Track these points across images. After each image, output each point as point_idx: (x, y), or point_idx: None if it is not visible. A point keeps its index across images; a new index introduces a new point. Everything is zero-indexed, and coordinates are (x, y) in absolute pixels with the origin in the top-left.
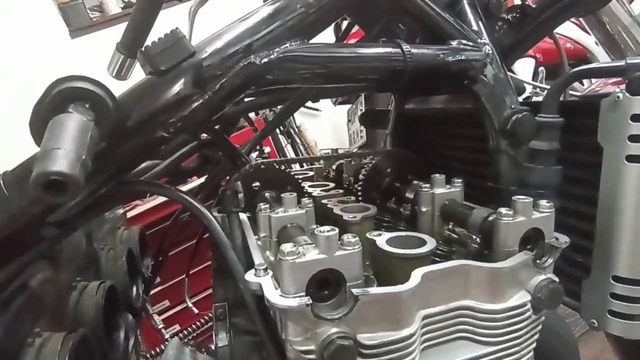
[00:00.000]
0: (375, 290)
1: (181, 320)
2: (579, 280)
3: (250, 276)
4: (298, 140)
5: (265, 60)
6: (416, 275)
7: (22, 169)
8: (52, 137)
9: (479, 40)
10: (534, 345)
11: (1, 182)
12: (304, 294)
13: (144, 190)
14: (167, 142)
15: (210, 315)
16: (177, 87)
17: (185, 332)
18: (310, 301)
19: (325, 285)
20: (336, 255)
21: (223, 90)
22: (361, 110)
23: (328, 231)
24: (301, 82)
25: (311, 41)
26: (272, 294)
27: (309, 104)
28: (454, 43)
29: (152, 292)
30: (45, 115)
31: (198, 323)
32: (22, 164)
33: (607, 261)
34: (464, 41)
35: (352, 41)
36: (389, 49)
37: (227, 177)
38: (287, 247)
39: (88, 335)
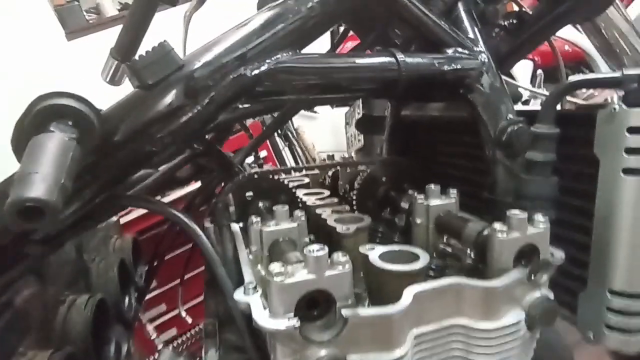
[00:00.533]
0: (365, 311)
1: (178, 324)
2: (575, 293)
3: (239, 295)
4: (296, 143)
5: (256, 71)
6: (408, 295)
7: (2, 187)
8: (30, 159)
9: (475, 49)
10: None
11: None
12: (292, 314)
13: (133, 206)
14: (157, 156)
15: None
16: (166, 101)
17: (179, 340)
18: (299, 324)
19: (314, 304)
20: (326, 275)
21: (213, 102)
22: (359, 113)
23: (317, 250)
24: (294, 93)
25: (303, 51)
26: (260, 316)
27: None
28: (450, 51)
29: (148, 296)
30: (26, 133)
31: (192, 332)
32: (2, 183)
33: (604, 274)
34: (460, 49)
35: (349, 44)
36: (383, 59)
37: (222, 184)
38: (275, 267)
39: (74, 354)
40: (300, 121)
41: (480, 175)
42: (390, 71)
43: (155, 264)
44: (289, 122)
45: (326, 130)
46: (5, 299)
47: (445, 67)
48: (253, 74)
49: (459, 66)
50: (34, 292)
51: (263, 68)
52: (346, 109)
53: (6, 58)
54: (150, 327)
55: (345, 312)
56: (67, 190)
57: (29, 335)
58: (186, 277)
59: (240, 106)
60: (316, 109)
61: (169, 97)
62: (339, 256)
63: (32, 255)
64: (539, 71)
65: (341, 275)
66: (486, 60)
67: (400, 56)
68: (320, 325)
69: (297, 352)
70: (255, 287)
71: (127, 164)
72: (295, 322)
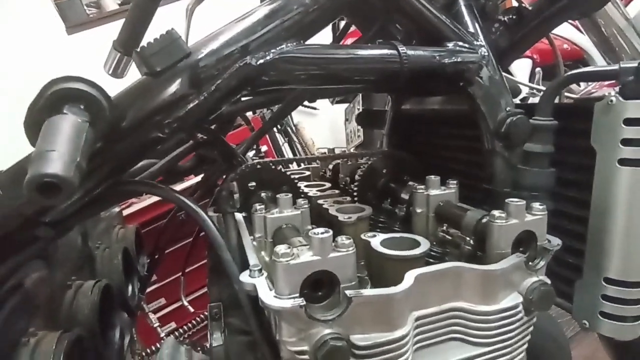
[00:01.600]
0: (368, 292)
1: (177, 318)
2: (571, 282)
3: (245, 277)
4: (295, 139)
5: (261, 61)
6: (409, 277)
7: (17, 169)
8: (47, 139)
9: (475, 42)
10: (525, 346)
11: None
12: (297, 295)
13: (140, 191)
14: (163, 143)
15: (206, 313)
16: (173, 88)
17: (181, 330)
18: (304, 302)
19: (319, 286)
20: (330, 257)
21: (219, 91)
22: (358, 109)
23: (322, 233)
24: (297, 83)
25: (307, 42)
26: (267, 295)
27: (307, 102)
28: (450, 45)
29: (148, 290)
30: (39, 116)
31: (194, 321)
32: (16, 164)
33: (599, 263)
34: (460, 43)
35: (349, 40)
36: (385, 51)
37: (224, 176)
38: (281, 248)
39: (83, 335)
40: (300, 117)
41: (478, 168)
42: (392, 63)
43: (156, 256)
44: (289, 118)
45: (325, 127)
46: (15, 281)
47: (446, 60)
48: (258, 63)
49: (459, 59)
50: (42, 276)
51: (268, 57)
52: (345, 105)
53: (7, 52)
54: (152, 317)
55: (349, 292)
56: (82, 169)
57: (38, 317)
58: (186, 270)
59: (243, 99)
60: (316, 105)
61: (176, 85)
62: (342, 239)
63: (41, 239)
64: (538, 69)
65: (345, 257)
66: (486, 54)
67: (402, 48)
68: (324, 305)
69: (302, 330)
70: (260, 270)
71: (135, 150)
72: (300, 301)
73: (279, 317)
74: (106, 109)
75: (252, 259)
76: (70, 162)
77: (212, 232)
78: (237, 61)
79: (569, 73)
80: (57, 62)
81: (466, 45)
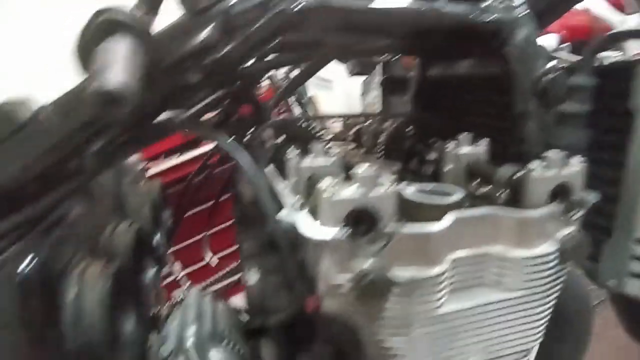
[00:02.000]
0: (409, 228)
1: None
2: (598, 244)
3: (283, 214)
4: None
5: (298, 7)
6: (449, 218)
7: (67, 98)
8: (106, 57)
9: (513, 1)
10: (557, 294)
11: (40, 114)
12: (340, 228)
13: (178, 128)
14: (196, 89)
15: (222, 273)
16: (209, 30)
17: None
18: (348, 232)
19: (360, 221)
20: (373, 192)
21: (254, 36)
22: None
23: (366, 169)
24: (332, 32)
25: None
26: (310, 227)
27: (322, 74)
28: (488, 2)
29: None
30: (92, 40)
31: (213, 279)
32: (64, 95)
33: (630, 223)
34: (498, 1)
35: None
36: (422, 6)
37: (249, 135)
38: (325, 182)
39: (124, 267)
40: (315, 90)
41: (507, 135)
42: (428, 18)
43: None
44: (304, 89)
45: (340, 102)
46: (60, 212)
47: (483, 18)
48: (295, 9)
49: (495, 17)
50: (84, 209)
51: (304, 4)
52: (362, 78)
53: (8, 52)
54: (177, 266)
55: (390, 228)
56: (139, 89)
57: (81, 248)
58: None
59: (270, 56)
60: (331, 78)
61: (213, 27)
62: (385, 177)
63: (84, 172)
64: (567, 44)
65: (387, 194)
66: (524, 13)
67: (439, 3)
68: (366, 240)
69: (344, 262)
70: (300, 206)
71: (168, 93)
72: (345, 231)
73: (320, 250)
74: (150, 44)
75: (289, 198)
76: (132, 76)
77: (249, 167)
78: (273, 7)
79: (613, 31)
80: (58, 62)
81: (504, 4)
